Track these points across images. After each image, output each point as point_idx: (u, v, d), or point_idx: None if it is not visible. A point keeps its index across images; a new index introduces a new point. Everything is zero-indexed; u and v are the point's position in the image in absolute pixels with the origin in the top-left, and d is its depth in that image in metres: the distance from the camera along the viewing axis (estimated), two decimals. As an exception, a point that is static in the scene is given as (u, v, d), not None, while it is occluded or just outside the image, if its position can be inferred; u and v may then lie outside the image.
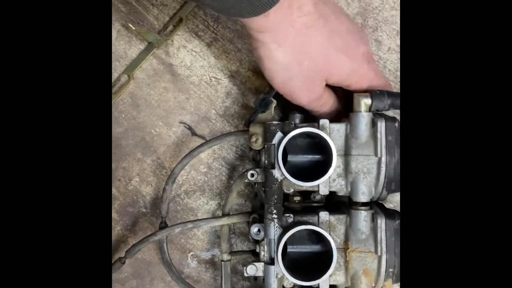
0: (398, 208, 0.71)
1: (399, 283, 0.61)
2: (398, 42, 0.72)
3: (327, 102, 0.64)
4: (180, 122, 0.75)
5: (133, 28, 0.72)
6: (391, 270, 0.60)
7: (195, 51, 0.75)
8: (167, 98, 0.75)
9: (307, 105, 0.63)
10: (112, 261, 0.70)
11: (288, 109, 0.67)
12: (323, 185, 0.60)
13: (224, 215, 0.68)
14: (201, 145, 0.68)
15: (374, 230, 0.60)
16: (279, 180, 0.60)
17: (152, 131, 0.75)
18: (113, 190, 0.75)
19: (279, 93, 0.63)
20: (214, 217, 0.72)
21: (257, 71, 0.75)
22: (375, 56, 0.73)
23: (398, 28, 0.72)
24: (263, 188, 0.62)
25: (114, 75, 0.74)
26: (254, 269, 0.62)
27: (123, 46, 0.75)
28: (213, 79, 0.75)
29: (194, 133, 0.75)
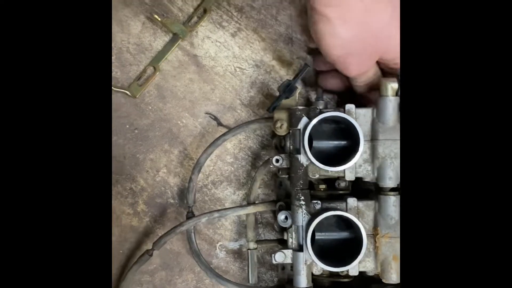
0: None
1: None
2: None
3: (372, 76, 0.64)
4: (206, 113, 0.75)
5: (158, 19, 0.73)
6: (421, 255, 0.59)
7: (220, 42, 0.75)
8: (193, 89, 0.75)
9: (354, 76, 0.63)
10: (140, 254, 0.70)
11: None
12: (349, 171, 0.60)
13: (250, 203, 0.68)
14: (225, 133, 0.68)
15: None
16: (305, 166, 0.60)
17: (179, 122, 0.75)
18: (141, 182, 0.75)
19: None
20: (240, 206, 0.71)
21: (282, 60, 0.74)
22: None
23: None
24: (288, 175, 0.62)
25: (140, 67, 0.75)
26: (282, 256, 0.62)
27: (148, 38, 0.75)
28: (237, 69, 0.75)
29: (220, 123, 0.75)
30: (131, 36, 0.75)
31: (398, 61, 0.61)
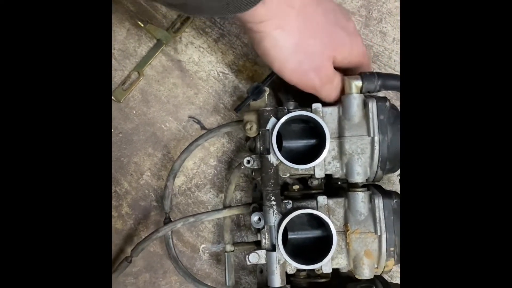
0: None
1: (399, 264, 0.60)
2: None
3: (339, 86, 0.63)
4: (189, 117, 0.77)
5: (142, 25, 0.75)
6: (391, 249, 0.59)
7: (203, 47, 0.77)
8: (176, 93, 0.77)
9: (321, 88, 0.62)
10: (124, 256, 0.71)
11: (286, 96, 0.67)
12: (318, 168, 0.60)
13: (225, 207, 0.69)
14: (197, 139, 0.69)
15: (372, 210, 0.60)
16: (275, 165, 0.61)
17: (162, 126, 0.77)
18: (125, 185, 0.77)
19: (274, 81, 0.64)
20: (215, 209, 0.71)
21: (264, 65, 0.75)
22: (381, 47, 0.74)
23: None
24: (260, 176, 0.62)
25: (125, 73, 0.77)
26: (256, 257, 0.62)
27: (133, 44, 0.77)
28: (220, 74, 0.76)
29: (203, 127, 0.76)
30: (116, 42, 0.77)
31: (349, 59, 0.62)
